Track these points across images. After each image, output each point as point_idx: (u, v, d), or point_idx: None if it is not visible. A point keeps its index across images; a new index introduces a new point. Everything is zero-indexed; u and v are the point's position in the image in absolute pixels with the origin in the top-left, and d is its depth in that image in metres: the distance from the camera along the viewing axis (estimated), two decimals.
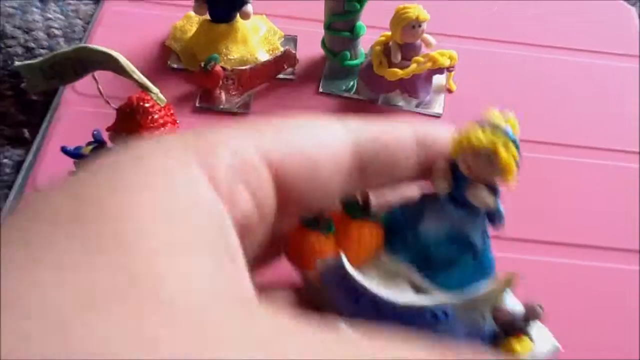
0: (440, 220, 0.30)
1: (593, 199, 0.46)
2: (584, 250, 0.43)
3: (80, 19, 0.55)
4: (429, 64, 0.48)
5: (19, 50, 0.51)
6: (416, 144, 0.21)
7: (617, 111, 0.53)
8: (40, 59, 0.41)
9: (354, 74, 0.52)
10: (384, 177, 0.22)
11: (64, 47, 0.52)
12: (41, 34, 0.52)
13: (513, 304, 0.29)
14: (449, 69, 0.50)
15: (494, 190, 0.29)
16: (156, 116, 0.39)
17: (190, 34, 0.53)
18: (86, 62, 0.41)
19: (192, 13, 0.53)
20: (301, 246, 0.27)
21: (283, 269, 0.27)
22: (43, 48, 0.52)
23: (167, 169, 0.16)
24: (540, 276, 0.41)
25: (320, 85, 0.51)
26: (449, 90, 0.52)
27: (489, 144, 0.28)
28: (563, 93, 0.53)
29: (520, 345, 0.28)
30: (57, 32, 0.53)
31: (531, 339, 0.28)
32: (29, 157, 0.45)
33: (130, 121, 0.38)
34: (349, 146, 0.20)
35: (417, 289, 0.29)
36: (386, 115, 0.50)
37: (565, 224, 0.44)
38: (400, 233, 0.30)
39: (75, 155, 0.39)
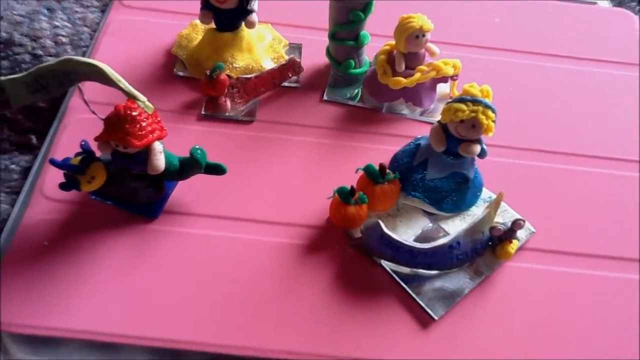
0: (440, 167, 0.43)
1: (594, 208, 0.46)
2: (585, 259, 0.43)
3: (87, 26, 0.56)
4: (432, 73, 0.48)
5: (27, 57, 0.51)
6: None
7: (617, 119, 0.53)
8: (23, 73, 0.41)
9: (359, 82, 0.52)
10: None
11: (71, 55, 0.53)
12: (49, 42, 0.53)
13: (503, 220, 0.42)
14: (453, 78, 0.50)
15: (478, 141, 0.41)
16: (144, 124, 0.38)
17: (195, 42, 0.53)
18: (71, 73, 0.41)
19: (197, 21, 0.54)
20: (345, 216, 0.41)
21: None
22: (50, 55, 0.52)
23: None
24: (542, 285, 0.42)
25: (325, 93, 0.52)
26: None
27: (470, 115, 0.39)
28: (566, 101, 0.54)
29: (511, 247, 0.41)
30: (64, 39, 0.54)
31: (518, 240, 0.41)
32: (36, 163, 0.46)
33: (118, 130, 0.38)
34: None
35: (429, 215, 0.44)
36: (390, 123, 0.50)
37: (567, 232, 0.45)
38: (412, 179, 0.44)
39: (64, 166, 0.39)
